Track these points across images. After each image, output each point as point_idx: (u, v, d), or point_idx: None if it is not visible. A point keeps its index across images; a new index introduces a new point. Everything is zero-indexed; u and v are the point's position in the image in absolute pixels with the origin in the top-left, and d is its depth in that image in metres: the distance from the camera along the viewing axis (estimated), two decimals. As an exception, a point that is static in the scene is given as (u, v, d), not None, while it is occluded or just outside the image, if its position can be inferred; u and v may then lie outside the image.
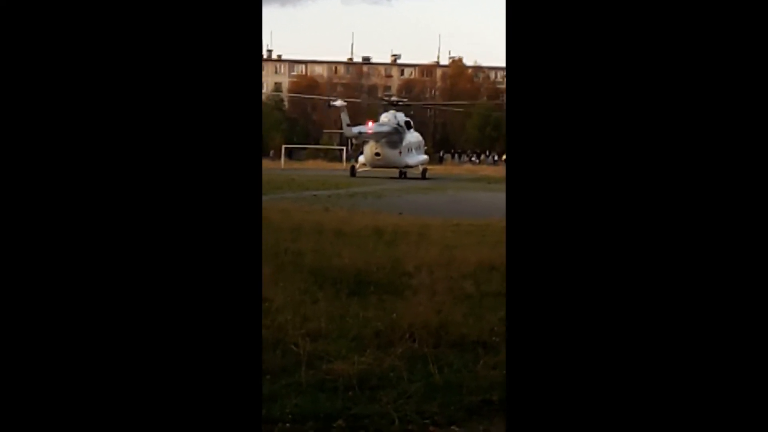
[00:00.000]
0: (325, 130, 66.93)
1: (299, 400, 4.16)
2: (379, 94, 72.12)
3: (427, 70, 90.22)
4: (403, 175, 41.81)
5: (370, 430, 3.90)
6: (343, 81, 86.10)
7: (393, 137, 42.34)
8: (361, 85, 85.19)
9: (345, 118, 42.41)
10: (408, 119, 45.18)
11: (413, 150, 44.13)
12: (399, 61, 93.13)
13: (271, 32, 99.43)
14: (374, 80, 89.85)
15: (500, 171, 54.81)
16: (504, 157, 72.13)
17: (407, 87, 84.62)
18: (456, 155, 76.76)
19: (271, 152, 65.13)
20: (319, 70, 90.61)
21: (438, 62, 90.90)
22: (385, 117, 44.31)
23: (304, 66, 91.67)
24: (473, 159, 74.96)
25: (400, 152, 42.55)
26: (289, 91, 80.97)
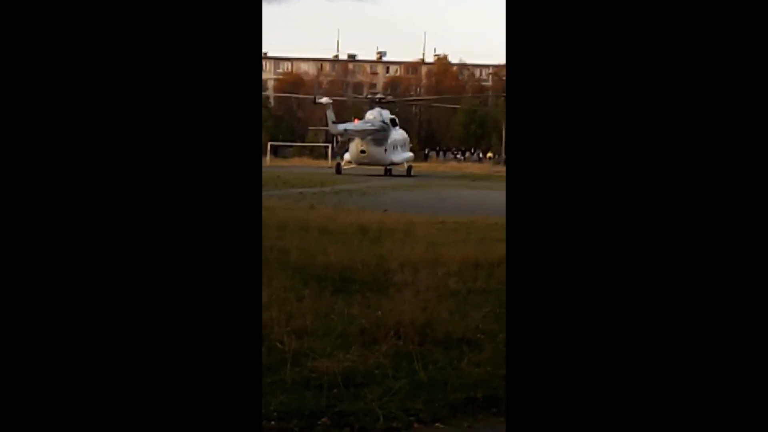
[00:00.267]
0: (310, 128, 66.70)
1: (284, 397, 4.16)
2: (365, 92, 72.00)
3: (413, 67, 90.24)
4: (388, 173, 41.83)
5: (355, 428, 3.91)
6: (329, 78, 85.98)
7: (378, 135, 42.35)
8: (346, 83, 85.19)
9: (330, 115, 42.38)
10: (393, 116, 45.20)
11: (398, 147, 44.16)
12: (384, 59, 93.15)
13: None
14: (360, 77, 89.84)
15: (485, 168, 54.98)
16: (489, 154, 72.45)
17: (392, 84, 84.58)
18: (441, 152, 76.82)
19: (257, 149, 64.74)
20: (304, 67, 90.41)
21: (423, 60, 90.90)
22: (370, 114, 44.33)
23: (289, 63, 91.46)
24: (458, 156, 75.04)
25: (386, 149, 42.57)
26: (275, 88, 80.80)
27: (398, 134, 44.61)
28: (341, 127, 42.46)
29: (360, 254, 8.74)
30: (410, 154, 46.43)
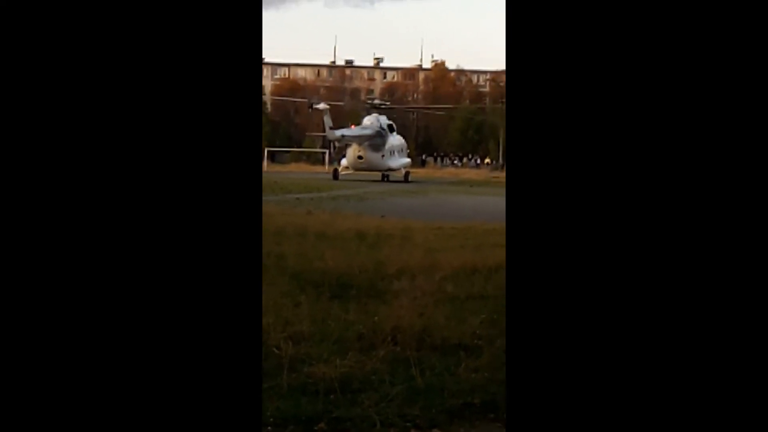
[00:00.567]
0: (307, 133, 66.83)
1: (281, 403, 4.15)
2: (362, 98, 72.10)
3: (410, 73, 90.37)
4: (385, 179, 41.88)
5: (352, 433, 3.90)
6: (326, 84, 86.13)
7: (376, 140, 42.42)
8: (344, 88, 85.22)
9: (328, 121, 42.45)
10: (391, 122, 45.27)
11: (396, 153, 44.22)
12: (382, 65, 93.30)
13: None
14: (357, 83, 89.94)
15: (482, 174, 55.05)
16: (486, 160, 72.53)
17: (390, 90, 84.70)
18: (438, 158, 76.89)
19: (254, 155, 64.85)
20: (302, 73, 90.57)
21: (421, 66, 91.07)
22: (368, 120, 44.40)
23: (287, 69, 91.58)
24: (456, 162, 75.11)
25: (383, 155, 42.63)
26: (272, 94, 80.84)
27: (395, 140, 44.67)
28: (338, 132, 42.53)
29: (357, 260, 8.73)
30: (408, 160, 46.48)
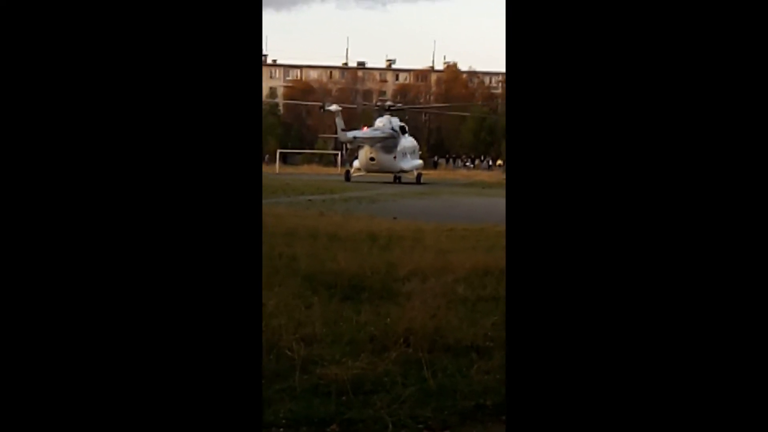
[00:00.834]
0: (320, 135, 66.92)
1: (293, 404, 4.16)
2: (374, 99, 72.14)
3: (422, 75, 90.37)
4: (397, 180, 41.87)
5: (364, 435, 3.90)
6: (339, 86, 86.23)
7: (388, 142, 42.41)
8: (356, 90, 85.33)
9: (340, 122, 42.51)
10: (403, 124, 45.26)
11: (408, 155, 44.19)
12: (394, 66, 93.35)
13: (267, 37, 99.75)
14: (369, 85, 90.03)
15: (495, 176, 54.92)
16: (499, 162, 72.43)
17: (402, 92, 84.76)
18: (450, 160, 76.83)
19: (266, 157, 65.16)
20: (314, 74, 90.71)
21: (433, 67, 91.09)
22: (380, 122, 44.42)
23: (299, 71, 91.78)
24: (468, 164, 75.02)
25: (395, 157, 42.61)
26: (284, 95, 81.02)
27: (408, 142, 44.65)
28: (350, 134, 42.56)
29: (369, 261, 8.73)
30: (420, 162, 46.45)
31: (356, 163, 43.95)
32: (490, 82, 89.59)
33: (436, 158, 74.09)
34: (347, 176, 42.69)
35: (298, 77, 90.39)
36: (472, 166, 73.94)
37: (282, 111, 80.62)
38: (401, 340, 5.30)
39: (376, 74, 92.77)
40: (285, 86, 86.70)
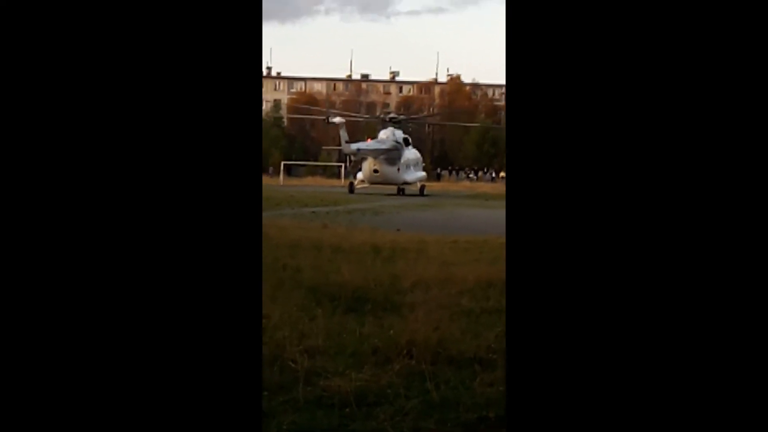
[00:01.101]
0: (323, 147, 66.96)
1: (296, 416, 4.16)
2: (378, 111, 72.26)
3: (426, 87, 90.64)
4: (401, 192, 41.86)
5: (367, 447, 3.90)
6: (342, 98, 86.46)
7: (391, 154, 42.45)
8: (359, 102, 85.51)
9: (344, 134, 42.52)
10: (406, 136, 45.30)
11: (411, 167, 44.24)
12: (397, 78, 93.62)
13: (271, 49, 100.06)
14: (373, 97, 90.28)
15: (498, 188, 54.88)
16: (502, 174, 72.42)
17: (406, 104, 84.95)
18: (454, 172, 76.87)
19: (270, 169, 65.33)
20: (318, 86, 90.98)
21: (436, 79, 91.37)
22: (383, 134, 44.44)
23: (303, 83, 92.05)
24: (471, 176, 75.06)
25: (399, 169, 42.65)
26: (288, 107, 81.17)
27: (411, 154, 44.70)
28: (354, 146, 42.58)
29: (373, 273, 8.73)
30: (423, 174, 46.49)
31: (360, 175, 43.96)
32: (494, 94, 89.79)
33: (439, 170, 74.15)
34: (351, 188, 42.70)
35: (303, 89, 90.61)
36: (475, 177, 73.98)
37: (286, 123, 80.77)
38: (404, 352, 5.31)
39: (380, 86, 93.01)
40: (289, 98, 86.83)
